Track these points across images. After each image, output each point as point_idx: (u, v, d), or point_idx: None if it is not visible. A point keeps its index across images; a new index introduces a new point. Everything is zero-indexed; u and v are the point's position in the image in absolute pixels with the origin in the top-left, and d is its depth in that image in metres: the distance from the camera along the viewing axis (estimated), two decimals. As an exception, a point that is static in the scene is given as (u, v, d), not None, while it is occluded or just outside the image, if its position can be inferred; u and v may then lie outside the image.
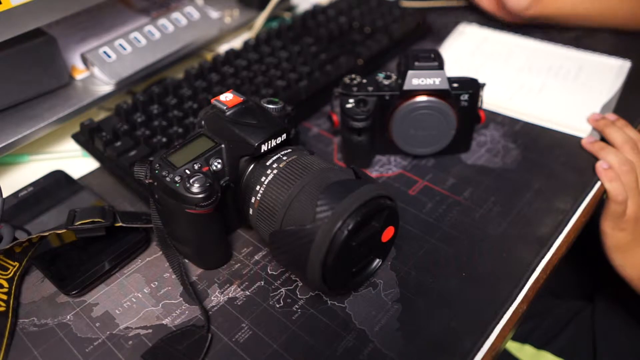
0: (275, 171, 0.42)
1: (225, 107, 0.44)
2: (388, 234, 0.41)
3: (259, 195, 0.42)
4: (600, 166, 0.55)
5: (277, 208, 0.41)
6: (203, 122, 0.45)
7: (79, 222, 0.45)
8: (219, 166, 0.43)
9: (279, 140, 0.44)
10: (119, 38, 0.66)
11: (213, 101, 0.45)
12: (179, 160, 0.42)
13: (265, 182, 0.42)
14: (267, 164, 0.43)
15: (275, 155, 0.43)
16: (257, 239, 0.49)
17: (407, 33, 0.75)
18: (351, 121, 0.53)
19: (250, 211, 0.43)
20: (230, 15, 0.78)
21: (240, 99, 0.45)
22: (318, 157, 0.44)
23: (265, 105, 0.47)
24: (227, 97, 0.45)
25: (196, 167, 0.42)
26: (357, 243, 0.38)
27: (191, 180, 0.40)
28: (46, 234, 0.45)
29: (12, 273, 0.45)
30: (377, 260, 0.43)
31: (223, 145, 0.43)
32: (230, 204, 0.45)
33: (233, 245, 0.49)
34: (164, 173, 0.41)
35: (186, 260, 0.47)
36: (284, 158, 0.43)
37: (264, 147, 0.43)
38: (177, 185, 0.40)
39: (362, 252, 0.41)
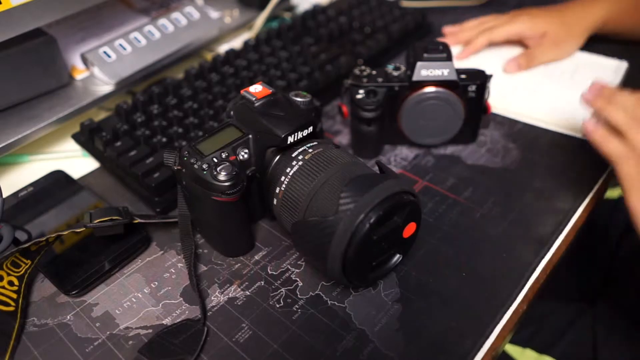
0: (300, 163, 0.43)
1: (254, 99, 0.45)
2: (410, 230, 0.41)
3: (284, 185, 0.43)
4: (586, 128, 0.48)
5: (300, 199, 0.41)
6: (232, 113, 0.46)
7: (98, 220, 0.45)
8: (246, 156, 0.44)
9: (305, 132, 0.44)
10: (119, 38, 0.66)
11: (242, 92, 0.46)
12: (207, 148, 0.43)
13: (290, 173, 0.42)
14: (293, 155, 0.43)
15: (301, 147, 0.44)
16: (258, 239, 0.49)
17: (407, 33, 0.75)
18: (361, 111, 0.54)
19: (275, 201, 0.44)
20: (230, 15, 0.79)
21: (269, 90, 0.46)
22: (343, 151, 0.44)
23: (293, 98, 0.47)
24: (257, 89, 0.46)
25: (223, 155, 0.42)
26: (378, 237, 0.39)
27: (218, 169, 0.41)
28: (65, 233, 0.45)
29: (24, 271, 0.45)
30: (398, 255, 0.43)
31: (250, 136, 0.44)
32: (255, 194, 0.46)
33: (233, 245, 0.49)
34: (192, 160, 0.42)
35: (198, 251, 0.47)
36: (310, 150, 0.44)
37: (290, 139, 0.43)
38: (205, 172, 0.41)
39: (382, 247, 0.41)
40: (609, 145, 0.47)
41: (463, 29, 0.75)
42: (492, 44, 0.72)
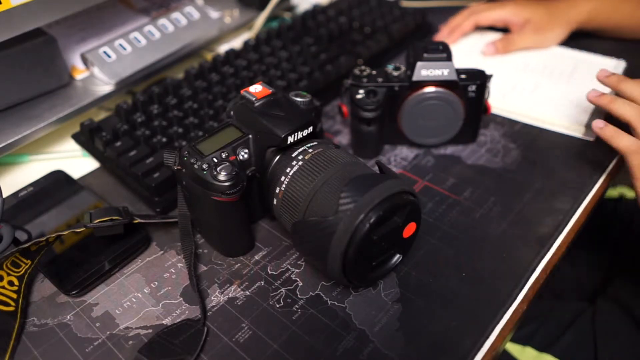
0: (300, 163, 0.43)
1: (254, 99, 0.45)
2: (410, 230, 0.42)
3: (284, 185, 0.43)
4: (596, 126, 0.51)
5: (300, 199, 0.41)
6: (232, 113, 0.47)
7: (98, 220, 0.45)
8: (246, 156, 0.44)
9: (305, 132, 0.45)
10: (119, 38, 0.66)
11: (242, 92, 0.46)
12: (207, 148, 0.43)
13: (290, 173, 0.43)
14: (293, 155, 0.44)
15: (301, 147, 0.44)
16: (258, 239, 0.49)
17: (407, 33, 0.75)
18: (361, 111, 0.54)
19: (275, 201, 0.44)
20: (230, 15, 0.79)
21: (269, 90, 0.46)
22: (343, 151, 0.44)
23: (294, 98, 0.47)
24: (257, 89, 0.46)
25: (223, 155, 0.43)
26: (378, 237, 0.39)
27: (218, 169, 0.41)
28: (65, 233, 0.45)
29: (24, 271, 0.45)
30: (398, 255, 0.44)
31: (250, 136, 0.44)
32: (255, 194, 0.46)
33: (233, 245, 0.49)
34: (192, 160, 0.42)
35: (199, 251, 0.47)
36: (310, 150, 0.44)
37: (290, 139, 0.44)
38: (205, 172, 0.41)
39: (382, 247, 0.41)
40: (619, 142, 0.50)
41: (455, 17, 0.77)
42: (479, 26, 0.75)
